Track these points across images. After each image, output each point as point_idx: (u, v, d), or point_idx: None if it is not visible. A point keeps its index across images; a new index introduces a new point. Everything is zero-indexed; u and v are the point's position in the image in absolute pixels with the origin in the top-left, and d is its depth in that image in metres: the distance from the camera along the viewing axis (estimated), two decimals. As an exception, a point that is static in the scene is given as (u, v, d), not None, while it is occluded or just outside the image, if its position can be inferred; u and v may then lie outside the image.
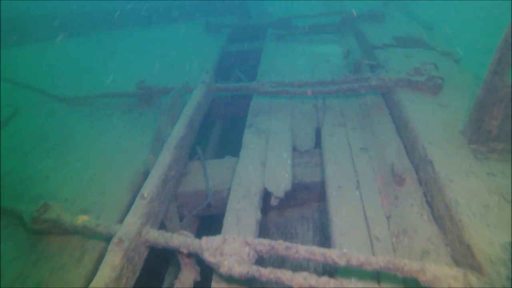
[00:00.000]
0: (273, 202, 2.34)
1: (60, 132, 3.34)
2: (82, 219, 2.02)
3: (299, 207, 2.87)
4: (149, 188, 2.06)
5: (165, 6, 6.79)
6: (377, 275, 1.73)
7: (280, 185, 2.41)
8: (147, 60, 4.98)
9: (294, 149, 2.90)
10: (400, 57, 3.63)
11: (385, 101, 3.18)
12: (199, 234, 3.00)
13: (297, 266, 2.37)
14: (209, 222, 2.99)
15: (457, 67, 3.45)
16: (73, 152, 3.04)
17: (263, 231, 2.68)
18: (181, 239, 1.81)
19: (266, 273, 1.54)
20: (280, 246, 1.69)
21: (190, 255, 1.85)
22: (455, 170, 1.99)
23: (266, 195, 2.43)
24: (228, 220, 2.18)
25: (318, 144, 2.95)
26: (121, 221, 2.02)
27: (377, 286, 1.70)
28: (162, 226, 2.44)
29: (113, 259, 1.66)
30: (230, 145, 3.72)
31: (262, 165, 2.60)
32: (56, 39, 6.07)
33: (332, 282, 1.47)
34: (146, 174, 2.43)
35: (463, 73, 3.25)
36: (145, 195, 2.00)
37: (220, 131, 4.16)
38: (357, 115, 3.09)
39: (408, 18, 5.22)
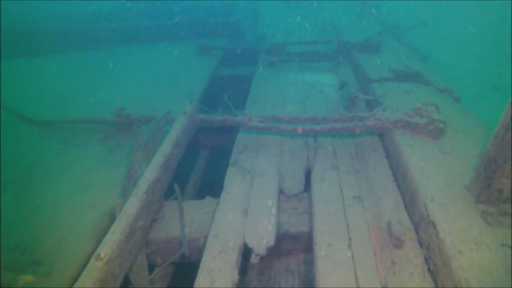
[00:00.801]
0: (254, 260, 2.04)
1: (26, 162, 3.03)
2: (24, 280, 1.71)
3: (284, 258, 2.57)
4: (108, 245, 1.76)
5: (157, 25, 6.64)
6: None
7: (262, 240, 2.12)
8: (134, 81, 4.75)
9: (281, 192, 2.63)
10: (398, 93, 3.41)
11: (382, 142, 2.93)
12: (173, 283, 2.71)
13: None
14: (186, 269, 2.68)
15: (458, 107, 3.24)
16: (36, 186, 2.73)
17: (243, 286, 2.38)
18: (139, 315, 1.51)
19: None
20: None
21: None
22: (463, 237, 1.73)
23: (246, 249, 2.14)
24: (200, 282, 1.88)
25: (307, 185, 2.69)
26: (78, 276, 1.71)
27: None
28: (126, 281, 2.14)
29: None
30: (214, 180, 3.42)
31: (244, 213, 2.32)
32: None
33: None
34: (113, 218, 2.14)
35: (465, 114, 3.03)
36: (102, 255, 1.70)
37: (204, 163, 3.87)
38: (351, 156, 2.83)
39: (405, 49, 5.06)
